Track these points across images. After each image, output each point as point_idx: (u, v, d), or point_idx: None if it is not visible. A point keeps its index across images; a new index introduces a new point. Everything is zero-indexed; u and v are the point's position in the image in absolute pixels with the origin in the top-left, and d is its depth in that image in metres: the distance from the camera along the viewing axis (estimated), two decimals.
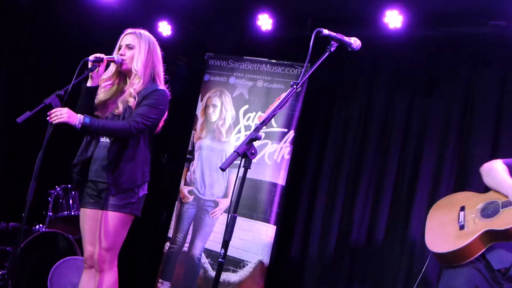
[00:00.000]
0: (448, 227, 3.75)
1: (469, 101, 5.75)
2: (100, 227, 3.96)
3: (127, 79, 4.13)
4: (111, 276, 4.04)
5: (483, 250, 3.49)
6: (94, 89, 3.99)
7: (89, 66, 3.92)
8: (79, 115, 3.75)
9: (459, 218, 3.73)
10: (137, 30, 4.14)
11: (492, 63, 5.65)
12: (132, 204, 4.00)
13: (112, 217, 3.95)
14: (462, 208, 3.78)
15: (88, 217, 4.06)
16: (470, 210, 3.71)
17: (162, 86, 4.13)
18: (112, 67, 4.13)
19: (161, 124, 4.16)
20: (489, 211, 3.59)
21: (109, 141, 3.99)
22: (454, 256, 3.57)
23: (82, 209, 4.13)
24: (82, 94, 3.98)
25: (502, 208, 3.53)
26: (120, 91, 4.12)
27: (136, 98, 3.97)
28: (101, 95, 4.08)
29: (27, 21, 6.86)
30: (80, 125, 3.74)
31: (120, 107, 3.99)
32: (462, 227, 3.65)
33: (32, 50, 6.99)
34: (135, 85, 4.00)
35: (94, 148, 4.04)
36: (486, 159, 5.47)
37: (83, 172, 4.06)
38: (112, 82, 4.13)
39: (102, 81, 4.11)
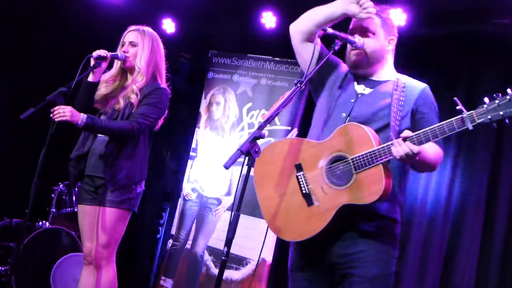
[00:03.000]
0: (291, 199, 2.95)
1: (472, 100, 5.71)
2: (98, 223, 3.96)
3: (129, 75, 4.15)
4: (109, 272, 4.05)
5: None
6: (95, 85, 4.00)
7: (92, 63, 3.93)
8: (82, 114, 3.77)
9: (300, 184, 2.92)
10: (141, 27, 4.15)
11: (496, 61, 5.63)
12: (130, 200, 4.02)
13: (110, 213, 3.96)
14: (299, 168, 2.95)
15: (86, 213, 4.06)
16: (312, 171, 2.92)
17: (163, 84, 4.15)
18: (117, 64, 4.14)
19: (160, 122, 4.18)
20: (337, 172, 2.83)
21: (108, 136, 4.00)
22: (316, 238, 2.87)
23: (80, 206, 4.14)
24: (83, 89, 3.99)
25: (355, 171, 2.76)
26: (121, 87, 4.14)
27: (139, 95, 3.99)
28: (102, 90, 4.10)
29: (30, 17, 6.86)
30: (82, 124, 3.76)
31: (121, 103, 4.01)
32: (309, 200, 2.88)
33: (35, 46, 6.99)
34: (137, 82, 4.02)
35: (91, 143, 4.05)
36: (487, 163, 5.50)
37: (80, 166, 4.07)
38: (114, 78, 4.15)
39: (106, 78, 4.13)
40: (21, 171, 6.68)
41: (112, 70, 4.14)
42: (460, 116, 2.60)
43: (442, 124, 2.64)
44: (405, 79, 3.09)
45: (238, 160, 2.62)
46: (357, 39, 3.01)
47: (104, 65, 3.98)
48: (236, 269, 6.09)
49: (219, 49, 6.91)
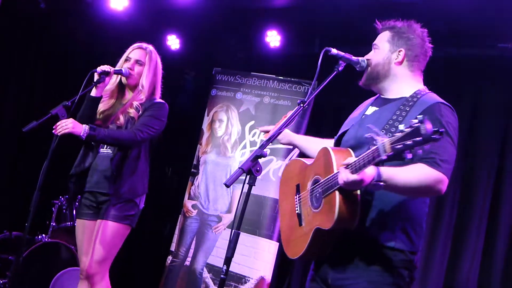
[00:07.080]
0: (291, 218, 2.97)
1: (475, 125, 5.69)
2: (97, 236, 3.96)
3: (128, 91, 4.18)
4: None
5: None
6: (98, 99, 4.03)
7: (96, 78, 3.95)
8: (84, 125, 3.79)
9: (295, 204, 2.95)
10: (147, 46, 4.21)
11: (499, 86, 5.63)
12: (132, 217, 4.06)
13: (112, 227, 3.97)
14: (298, 188, 2.97)
15: (86, 228, 4.08)
16: (304, 191, 2.91)
17: (159, 99, 4.19)
18: (116, 80, 4.16)
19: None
20: (316, 194, 2.76)
21: (111, 152, 4.03)
22: (310, 258, 2.91)
23: (79, 220, 4.15)
24: (86, 104, 4.02)
25: (323, 194, 2.67)
26: (119, 103, 4.16)
27: (140, 110, 4.03)
28: (100, 106, 4.10)
29: (36, 32, 6.90)
30: (85, 135, 3.78)
31: (121, 119, 4.05)
32: (300, 220, 2.87)
33: (40, 60, 7.02)
34: (138, 100, 4.07)
35: (92, 159, 4.08)
36: (490, 184, 5.49)
37: (80, 182, 4.09)
38: (111, 93, 4.16)
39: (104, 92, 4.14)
40: (22, 183, 6.70)
41: (108, 86, 4.13)
42: (376, 145, 2.35)
43: (369, 152, 2.39)
44: (423, 95, 2.85)
45: (240, 178, 2.61)
46: (361, 59, 2.99)
47: (107, 80, 4.01)
48: (235, 287, 6.06)
49: (223, 66, 6.93)
